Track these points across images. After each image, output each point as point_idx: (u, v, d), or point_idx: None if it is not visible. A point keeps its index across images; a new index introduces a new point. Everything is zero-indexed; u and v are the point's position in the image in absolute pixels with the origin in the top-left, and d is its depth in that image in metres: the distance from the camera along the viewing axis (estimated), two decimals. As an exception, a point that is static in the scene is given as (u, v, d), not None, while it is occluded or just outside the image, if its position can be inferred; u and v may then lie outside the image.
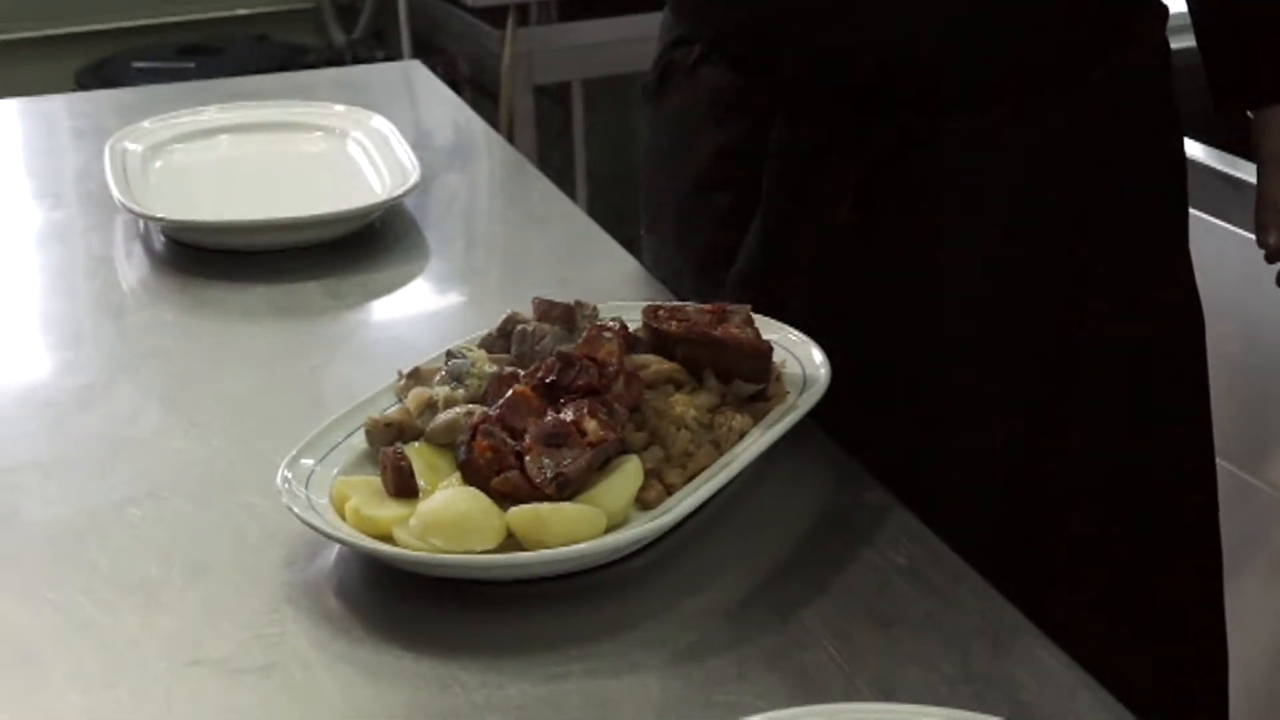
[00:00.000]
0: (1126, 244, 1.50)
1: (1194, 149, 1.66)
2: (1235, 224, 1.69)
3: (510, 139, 2.22)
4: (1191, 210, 1.58)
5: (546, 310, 1.30)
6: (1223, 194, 1.67)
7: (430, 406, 1.21)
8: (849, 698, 0.99)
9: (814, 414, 1.24)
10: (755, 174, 1.46)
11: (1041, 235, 1.45)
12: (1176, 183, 1.55)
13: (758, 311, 1.31)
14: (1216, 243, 1.57)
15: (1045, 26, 1.40)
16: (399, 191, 1.68)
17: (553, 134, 3.63)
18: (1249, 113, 1.55)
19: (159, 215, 1.66)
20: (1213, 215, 1.70)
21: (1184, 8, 1.54)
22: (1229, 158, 1.76)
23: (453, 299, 1.62)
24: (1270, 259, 1.55)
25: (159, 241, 1.67)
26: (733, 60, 1.48)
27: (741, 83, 1.47)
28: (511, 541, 1.10)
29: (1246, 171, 1.66)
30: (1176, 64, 1.51)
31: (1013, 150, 1.42)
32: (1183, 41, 1.53)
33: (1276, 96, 1.51)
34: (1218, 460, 1.61)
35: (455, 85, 2.25)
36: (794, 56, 1.42)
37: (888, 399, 1.43)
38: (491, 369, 1.23)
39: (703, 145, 1.51)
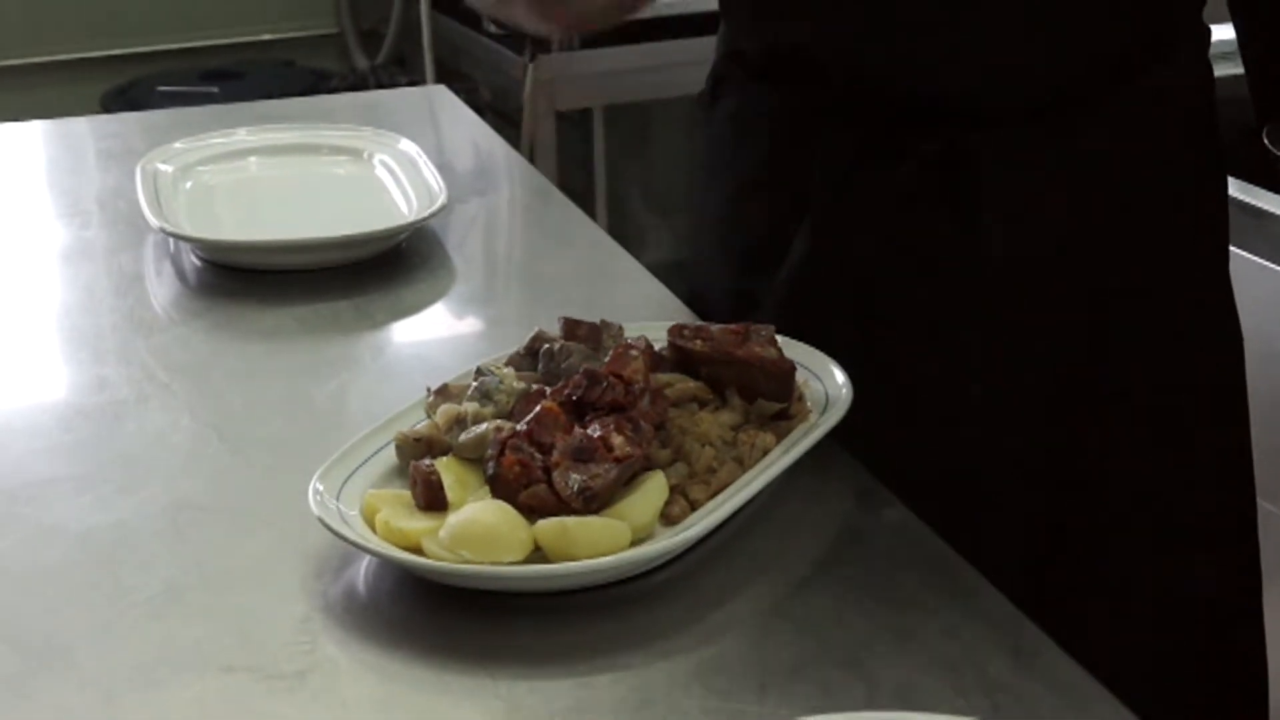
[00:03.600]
0: (1167, 265, 1.49)
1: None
2: (1262, 256, 1.69)
3: (532, 163, 2.23)
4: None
5: (573, 329, 1.31)
6: (1247, 226, 1.67)
7: (459, 422, 1.22)
8: (870, 708, 1.00)
9: (836, 432, 1.25)
10: (802, 181, 1.46)
11: (1083, 251, 1.44)
12: (1218, 209, 1.54)
13: (801, 319, 1.32)
14: (1241, 275, 1.57)
15: (1087, 42, 1.39)
16: (426, 213, 1.69)
17: (574, 159, 3.64)
18: None
19: (190, 235, 1.67)
20: (1238, 248, 1.70)
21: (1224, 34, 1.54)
22: (1251, 189, 1.77)
23: (478, 319, 1.63)
24: None
25: (189, 261, 1.68)
26: (783, 73, 1.48)
27: (791, 94, 1.47)
28: (538, 554, 1.11)
29: (1269, 203, 1.66)
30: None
31: (1056, 165, 1.41)
32: (1221, 70, 1.53)
33: None
34: (1260, 501, 1.59)
35: (478, 110, 2.25)
36: (840, 72, 1.42)
37: (920, 412, 1.43)
38: (519, 386, 1.24)
39: (751, 151, 1.51)
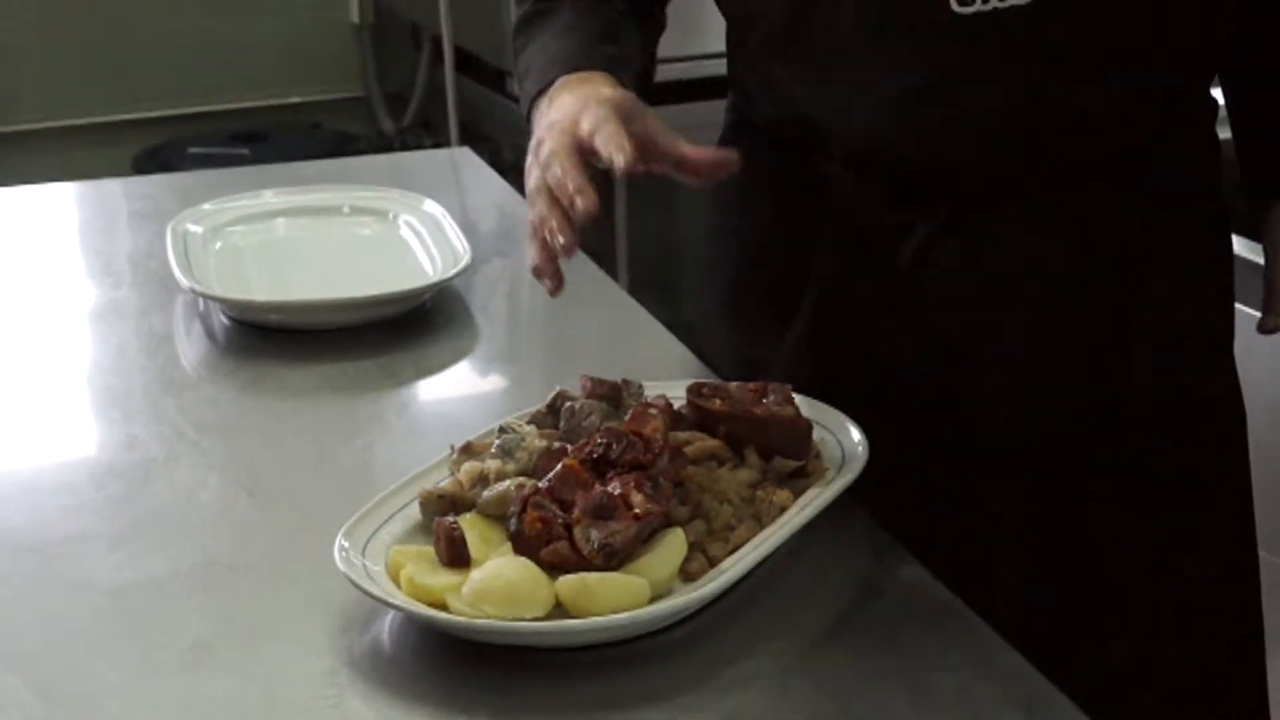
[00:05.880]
0: (1171, 332, 1.50)
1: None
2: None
3: (554, 224, 2.24)
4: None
5: (594, 388, 1.32)
6: (1249, 281, 1.67)
7: (482, 479, 1.22)
8: (886, 763, 1.01)
9: (852, 490, 1.25)
10: (808, 247, 1.47)
11: (1086, 320, 1.45)
12: (1223, 274, 1.54)
13: (808, 384, 1.32)
14: (1241, 327, 1.58)
15: (1091, 120, 1.39)
16: (450, 273, 1.70)
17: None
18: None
19: (219, 295, 1.68)
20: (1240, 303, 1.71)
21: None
22: (1253, 245, 1.77)
23: (501, 377, 1.64)
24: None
25: (219, 320, 1.69)
26: (788, 141, 1.48)
27: (796, 161, 1.48)
28: (560, 610, 1.11)
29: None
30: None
31: (1057, 237, 1.42)
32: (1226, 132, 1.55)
33: None
34: (1260, 553, 1.59)
35: (501, 171, 2.26)
36: (844, 143, 1.43)
37: (928, 472, 1.43)
38: (541, 444, 1.25)
39: (757, 218, 1.52)
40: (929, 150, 1.39)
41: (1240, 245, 1.59)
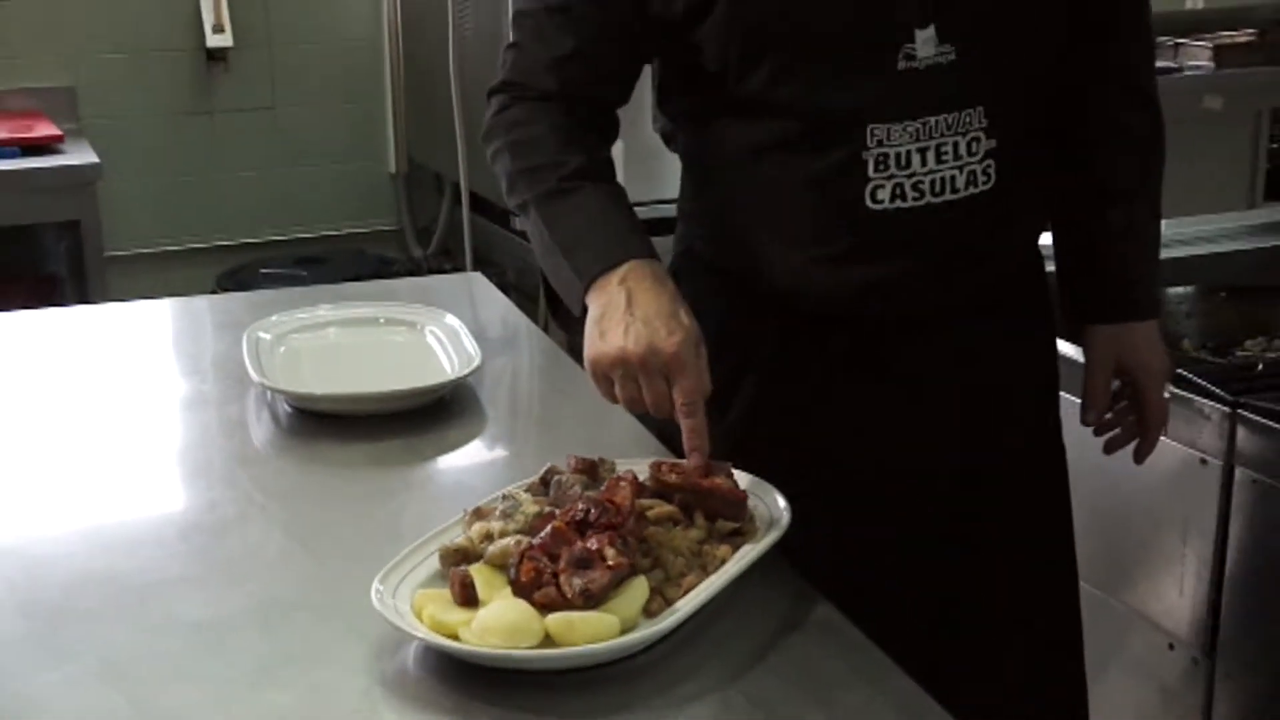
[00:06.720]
0: (1018, 421, 1.52)
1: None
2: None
3: (546, 331, 2.24)
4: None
5: (577, 464, 1.32)
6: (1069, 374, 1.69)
7: (488, 537, 1.22)
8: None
9: (778, 545, 1.25)
10: (745, 350, 1.47)
11: (959, 415, 1.47)
12: (1052, 375, 1.58)
13: (745, 457, 1.33)
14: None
15: (966, 282, 1.43)
16: (464, 372, 1.70)
17: (580, 328, 3.64)
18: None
19: (283, 388, 1.67)
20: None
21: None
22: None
23: (504, 454, 1.63)
24: (1097, 433, 1.58)
25: (282, 408, 1.68)
26: (728, 271, 1.49)
27: (733, 287, 1.48)
28: (549, 641, 1.11)
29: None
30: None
31: (942, 356, 1.45)
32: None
33: (1111, 317, 1.54)
34: (1081, 582, 1.61)
35: (505, 290, 2.27)
36: (770, 285, 1.44)
37: (843, 531, 1.43)
38: (535, 509, 1.25)
39: (703, 328, 1.52)
40: (841, 297, 1.41)
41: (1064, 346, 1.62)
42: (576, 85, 1.42)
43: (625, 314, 1.29)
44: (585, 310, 1.33)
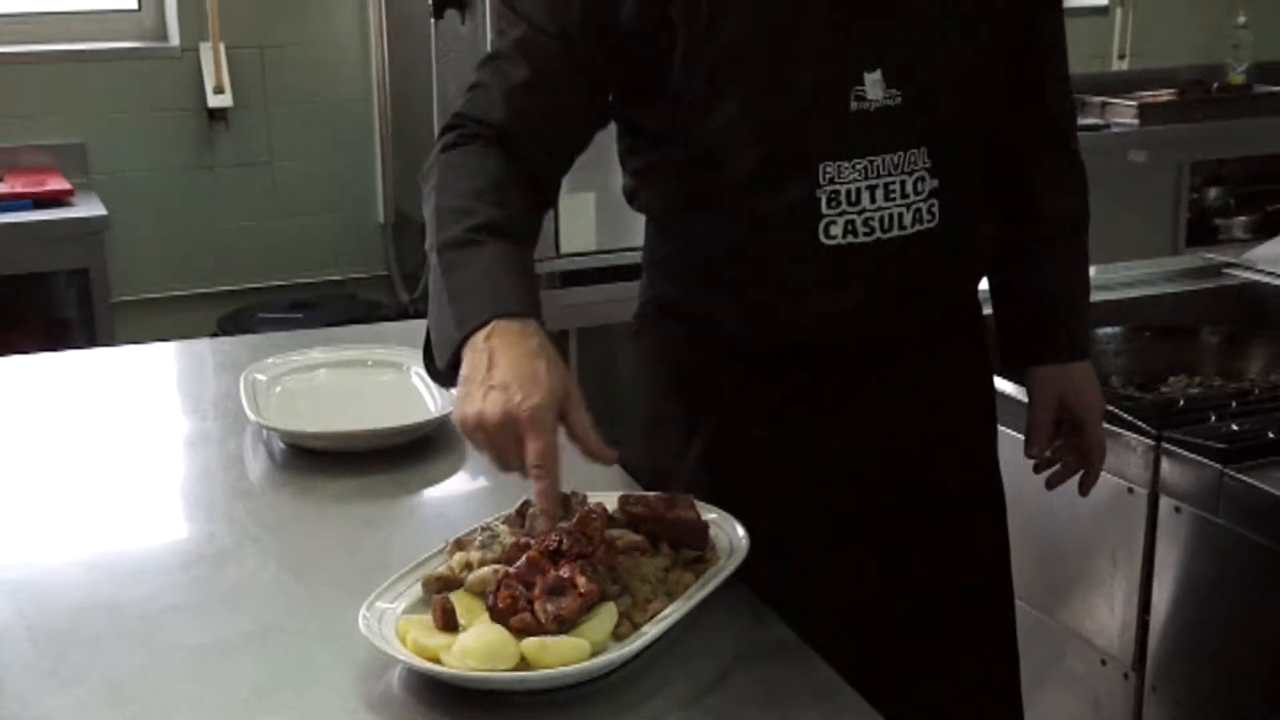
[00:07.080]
0: (960, 449, 1.53)
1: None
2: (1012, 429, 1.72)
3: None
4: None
5: (550, 498, 1.32)
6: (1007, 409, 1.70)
7: (468, 566, 1.22)
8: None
9: (737, 573, 1.25)
10: (705, 390, 1.47)
11: (906, 447, 1.48)
12: (990, 410, 1.59)
13: (705, 487, 1.33)
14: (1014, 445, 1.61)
15: (912, 318, 1.44)
16: (446, 411, 1.68)
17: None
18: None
19: (278, 426, 1.67)
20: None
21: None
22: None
23: (484, 487, 1.62)
24: (1037, 470, 1.59)
25: (277, 445, 1.67)
26: (690, 315, 1.49)
27: (696, 330, 1.49)
28: (524, 663, 1.11)
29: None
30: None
31: (891, 391, 1.46)
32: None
33: (1050, 358, 1.55)
34: (1018, 601, 1.62)
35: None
36: (727, 327, 1.45)
37: (792, 557, 1.43)
38: (511, 539, 1.24)
39: (669, 366, 1.51)
40: (800, 327, 1.42)
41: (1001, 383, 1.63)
42: (525, 120, 1.33)
43: (485, 376, 1.20)
44: (450, 364, 1.25)
